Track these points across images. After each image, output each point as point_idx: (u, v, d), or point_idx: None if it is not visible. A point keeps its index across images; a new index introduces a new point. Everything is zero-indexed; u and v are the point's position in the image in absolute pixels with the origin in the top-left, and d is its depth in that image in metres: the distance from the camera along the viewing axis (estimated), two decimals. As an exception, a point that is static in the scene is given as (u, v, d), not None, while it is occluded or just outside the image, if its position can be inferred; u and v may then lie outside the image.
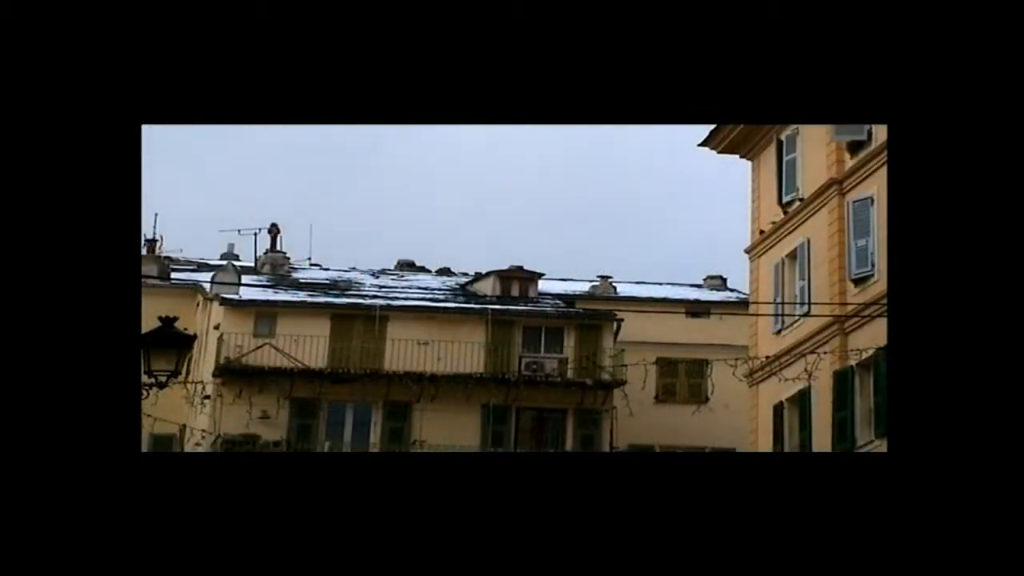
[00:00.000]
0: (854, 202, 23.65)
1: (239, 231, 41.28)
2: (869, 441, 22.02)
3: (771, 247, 27.07)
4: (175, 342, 12.20)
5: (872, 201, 23.00)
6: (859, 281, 23.13)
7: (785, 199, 26.51)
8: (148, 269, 33.69)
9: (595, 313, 35.59)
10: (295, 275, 37.58)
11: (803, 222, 25.66)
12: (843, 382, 23.34)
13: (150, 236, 37.25)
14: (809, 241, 25.28)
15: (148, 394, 12.14)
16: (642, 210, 74.15)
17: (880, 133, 22.55)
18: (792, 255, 25.95)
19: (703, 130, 29.12)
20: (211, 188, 67.31)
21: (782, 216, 26.53)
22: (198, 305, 34.36)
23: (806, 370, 24.05)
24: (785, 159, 26.76)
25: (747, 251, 28.50)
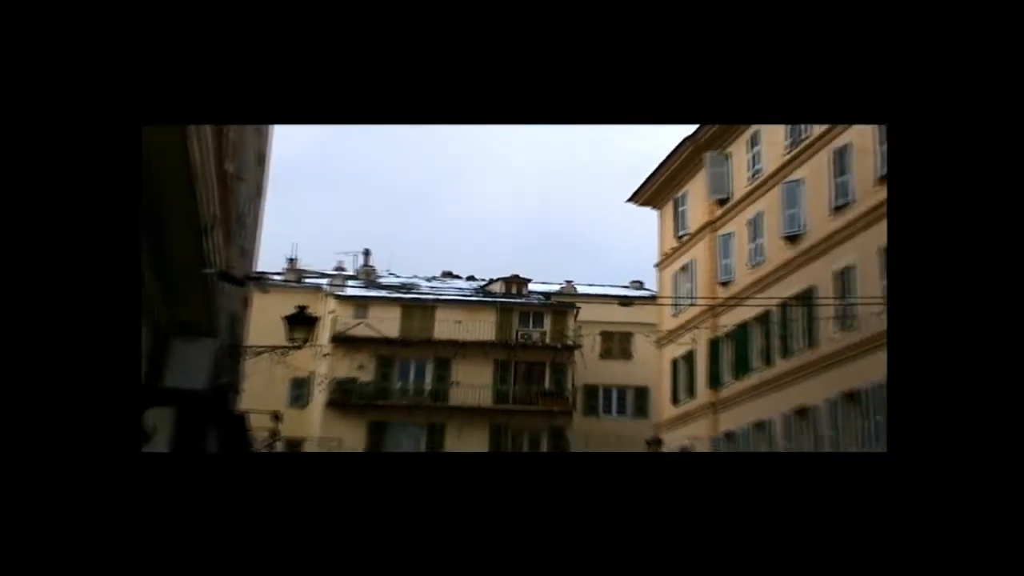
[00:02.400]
0: (721, 236, 29.16)
1: (345, 253, 50.06)
2: (731, 382, 27.79)
3: (671, 263, 32.17)
4: (306, 321, 13.57)
5: (732, 235, 28.57)
6: (724, 284, 28.66)
7: (679, 234, 31.71)
8: (290, 277, 39.66)
9: (563, 304, 39.92)
10: (379, 280, 41.72)
11: (690, 248, 30.90)
12: (714, 346, 28.67)
13: (290, 256, 42.37)
14: (694, 260, 30.54)
15: (291, 353, 14.89)
16: (593, 239, 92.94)
17: (737, 190, 28.69)
18: (683, 268, 31.14)
19: (635, 186, 33.14)
20: (329, 224, 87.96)
21: (677, 244, 31.67)
22: (321, 298, 37.29)
23: (692, 339, 29.62)
24: (679, 209, 31.85)
25: (656, 266, 33.37)
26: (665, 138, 63.16)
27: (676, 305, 30.79)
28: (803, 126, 25.85)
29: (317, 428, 35.95)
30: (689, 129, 30.45)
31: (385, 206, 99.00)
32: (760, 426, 26.24)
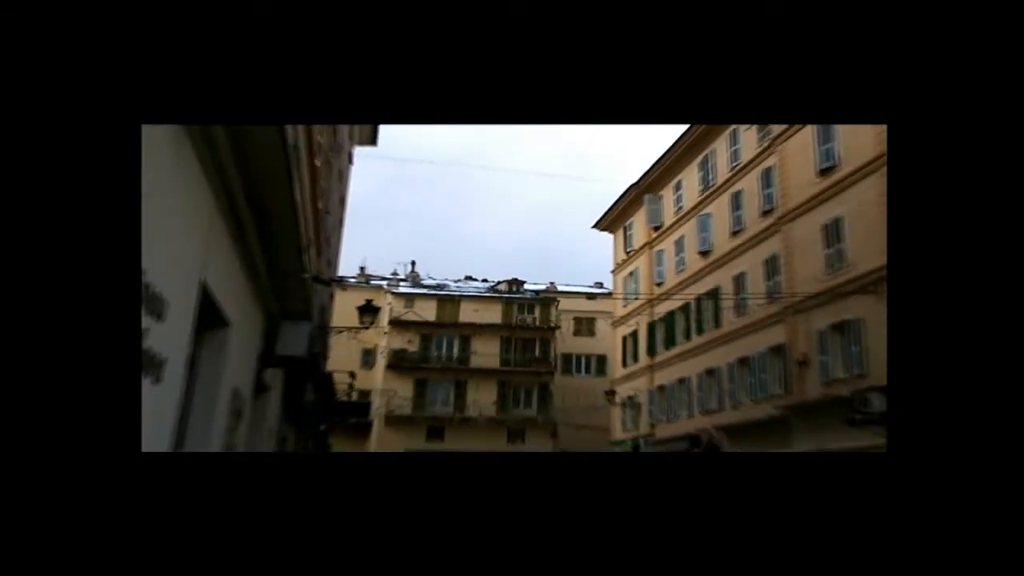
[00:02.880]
0: (656, 252, 29.00)
1: (398, 263, 51.66)
2: (662, 351, 27.28)
3: (622, 270, 31.93)
4: (372, 310, 12.98)
5: (664, 251, 28.16)
6: (659, 284, 28.49)
7: (627, 250, 31.50)
8: (361, 279, 38.22)
9: (548, 298, 38.70)
10: (422, 281, 40.46)
11: (634, 260, 30.79)
12: (652, 327, 28.51)
13: (361, 266, 42.26)
14: (638, 268, 30.45)
15: (361, 332, 14.27)
16: (569, 253, 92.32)
17: (667, 220, 28.05)
18: (630, 274, 31.03)
19: (597, 217, 32.45)
20: (387, 243, 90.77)
21: (626, 257, 31.61)
22: (382, 294, 36.74)
23: (636, 322, 29.63)
24: (628, 233, 31.52)
25: (612, 272, 33.01)
26: (619, 184, 64.30)
27: (625, 299, 30.79)
28: (711, 177, 25.88)
29: (380, 383, 35.51)
30: (634, 176, 31.46)
31: (426, 232, 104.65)
32: (682, 381, 26.05)
